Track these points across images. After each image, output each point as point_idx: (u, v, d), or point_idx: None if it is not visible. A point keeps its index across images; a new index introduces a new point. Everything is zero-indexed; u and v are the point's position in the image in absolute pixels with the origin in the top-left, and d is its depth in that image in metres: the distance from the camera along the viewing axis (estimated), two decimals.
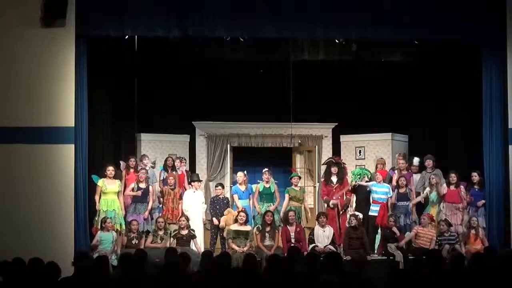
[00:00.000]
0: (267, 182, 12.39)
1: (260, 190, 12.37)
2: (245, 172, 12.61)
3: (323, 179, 12.93)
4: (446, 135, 13.80)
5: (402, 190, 12.23)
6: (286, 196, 12.36)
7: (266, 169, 12.51)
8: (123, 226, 11.58)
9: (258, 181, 12.58)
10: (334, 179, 12.58)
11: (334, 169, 12.63)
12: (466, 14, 11.56)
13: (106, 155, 12.78)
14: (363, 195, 12.45)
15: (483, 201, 11.90)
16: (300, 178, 12.88)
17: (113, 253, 11.00)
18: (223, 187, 12.57)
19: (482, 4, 11.65)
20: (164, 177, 12.58)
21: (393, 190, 12.31)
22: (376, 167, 13.25)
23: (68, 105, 10.96)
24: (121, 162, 12.62)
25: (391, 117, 14.46)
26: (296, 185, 12.49)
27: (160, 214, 11.95)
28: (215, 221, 12.09)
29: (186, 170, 13.11)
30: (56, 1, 10.69)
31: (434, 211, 12.07)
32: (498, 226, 11.81)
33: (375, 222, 12.11)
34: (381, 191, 12.22)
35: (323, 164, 13.76)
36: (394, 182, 12.54)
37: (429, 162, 12.53)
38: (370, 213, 12.21)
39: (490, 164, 11.92)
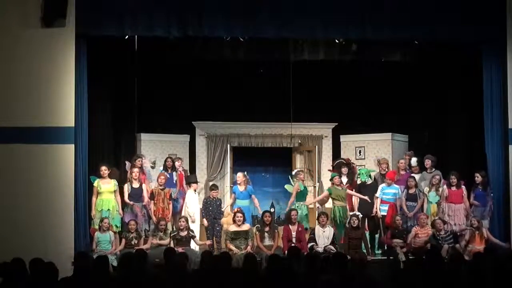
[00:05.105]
0: (303, 181, 12.64)
1: (301, 189, 12.45)
2: (245, 173, 12.64)
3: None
4: (446, 135, 13.80)
5: (411, 191, 12.20)
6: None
7: (300, 169, 12.89)
8: (119, 227, 11.56)
9: (294, 179, 12.70)
10: (344, 179, 12.64)
11: (344, 170, 12.67)
12: (466, 14, 11.57)
13: (106, 155, 12.77)
14: (367, 195, 12.39)
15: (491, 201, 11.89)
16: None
17: (112, 253, 10.99)
18: (217, 189, 12.62)
19: (482, 4, 11.65)
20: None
21: (402, 191, 12.29)
22: (380, 167, 13.11)
23: (68, 105, 10.97)
24: (127, 163, 12.56)
25: (391, 117, 14.47)
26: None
27: (162, 217, 11.86)
28: (205, 222, 12.09)
29: (184, 169, 13.12)
30: (56, 1, 10.70)
31: (434, 211, 12.06)
32: (499, 225, 11.82)
33: (385, 222, 12.11)
34: (390, 192, 12.23)
35: (333, 166, 13.71)
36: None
37: (427, 162, 12.50)
38: (381, 213, 12.21)
39: (491, 164, 11.94)
